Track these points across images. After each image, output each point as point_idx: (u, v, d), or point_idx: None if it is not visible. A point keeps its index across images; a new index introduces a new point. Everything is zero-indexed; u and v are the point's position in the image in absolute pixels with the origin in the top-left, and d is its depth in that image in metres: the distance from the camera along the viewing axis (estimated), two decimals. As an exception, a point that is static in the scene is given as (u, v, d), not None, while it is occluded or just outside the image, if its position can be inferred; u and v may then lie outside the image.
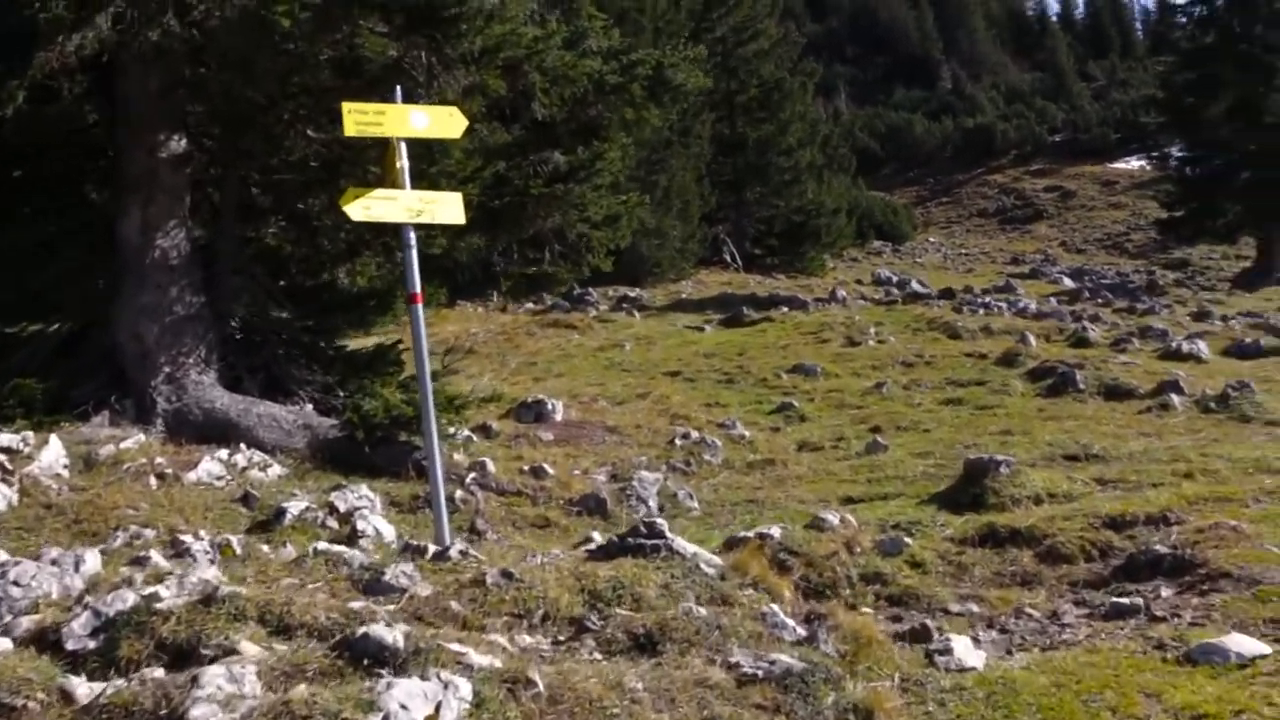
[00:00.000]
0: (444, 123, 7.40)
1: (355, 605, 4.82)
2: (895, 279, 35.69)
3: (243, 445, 8.73)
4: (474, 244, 10.66)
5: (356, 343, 11.31)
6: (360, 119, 7.02)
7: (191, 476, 8.06)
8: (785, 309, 24.71)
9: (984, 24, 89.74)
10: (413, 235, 7.06)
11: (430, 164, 9.22)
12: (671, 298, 28.78)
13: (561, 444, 10.26)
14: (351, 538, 6.96)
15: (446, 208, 7.25)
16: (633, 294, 28.66)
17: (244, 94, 8.93)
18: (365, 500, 7.87)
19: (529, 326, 21.33)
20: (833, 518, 7.30)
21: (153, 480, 7.93)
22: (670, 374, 15.50)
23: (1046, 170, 65.78)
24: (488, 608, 5.05)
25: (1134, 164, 62.83)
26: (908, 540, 7.09)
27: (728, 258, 38.91)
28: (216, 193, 9.91)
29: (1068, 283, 35.11)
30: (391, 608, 4.95)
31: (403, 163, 7.12)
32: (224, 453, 8.49)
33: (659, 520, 6.21)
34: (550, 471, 8.98)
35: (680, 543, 6.10)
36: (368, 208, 6.94)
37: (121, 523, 6.92)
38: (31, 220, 9.62)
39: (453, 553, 5.94)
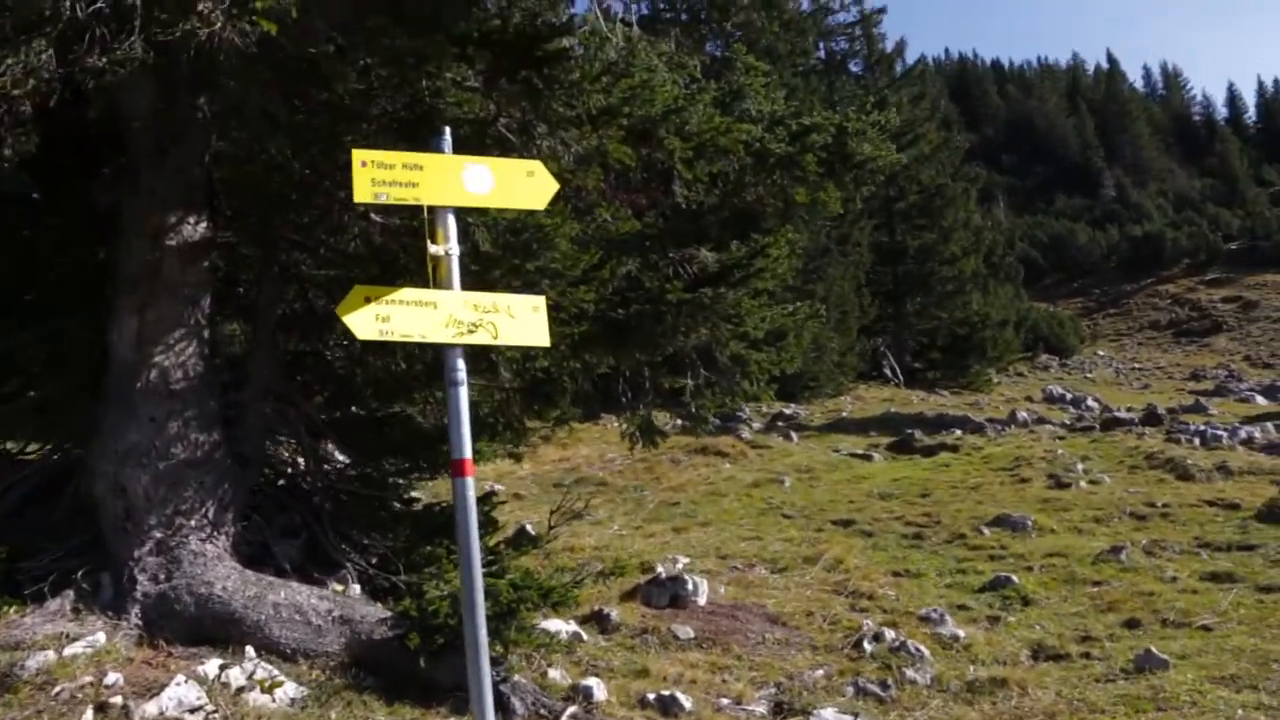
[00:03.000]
0: (519, 186, 4.66)
1: None
2: (1069, 396, 32.04)
3: (250, 649, 5.93)
4: (589, 366, 7.81)
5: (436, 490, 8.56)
6: (381, 176, 4.32)
7: (150, 709, 5.19)
8: (959, 432, 21.33)
9: (1148, 130, 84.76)
10: (461, 366, 4.27)
11: (525, 257, 6.44)
12: (831, 416, 25.56)
13: (706, 646, 7.19)
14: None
15: (519, 322, 4.47)
16: (788, 411, 25.59)
17: (277, 159, 6.36)
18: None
19: (674, 452, 18.35)
20: None
21: (89, 716, 5.18)
22: (842, 523, 12.24)
23: (1223, 280, 60.63)
24: None
25: (1325, 272, 57.24)
26: None
27: (888, 372, 35.64)
28: (251, 292, 7.33)
29: (1261, 401, 30.61)
30: None
31: (449, 248, 4.36)
32: (214, 665, 5.65)
33: None
34: (687, 705, 5.93)
35: None
36: (385, 319, 4.17)
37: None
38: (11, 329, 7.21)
39: None
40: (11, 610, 6.00)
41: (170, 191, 6.50)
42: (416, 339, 4.28)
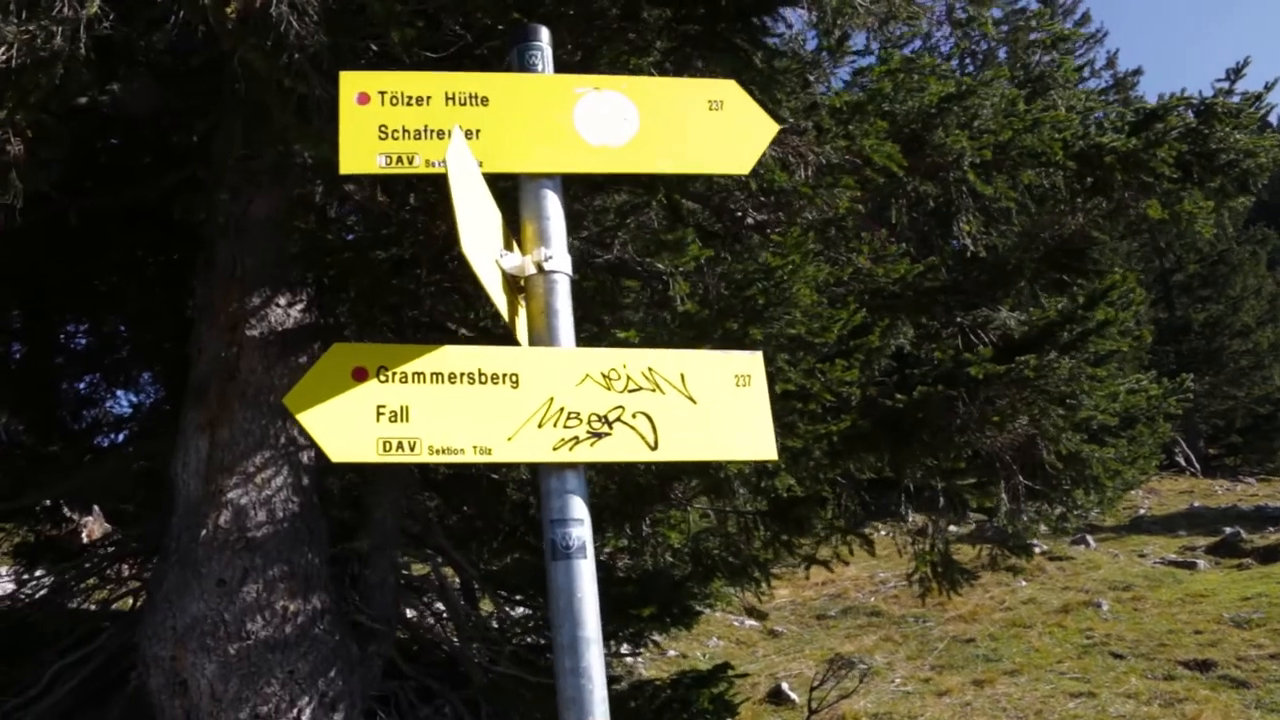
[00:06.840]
0: (691, 127, 2.28)
1: None
2: None
3: None
4: (855, 476, 5.34)
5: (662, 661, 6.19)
6: (397, 121, 2.06)
7: None
8: (1293, 528, 17.41)
9: None
10: (579, 510, 1.89)
11: (749, 318, 4.08)
12: (1125, 515, 21.75)
13: None
14: None
15: (707, 412, 2.01)
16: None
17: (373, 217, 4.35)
18: None
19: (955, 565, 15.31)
20: None
21: None
22: (1197, 666, 9.00)
23: None
24: None
25: None
26: None
27: (1180, 460, 31.03)
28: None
29: None
30: None
31: (545, 257, 2.00)
32: None
33: None
34: None
35: None
36: (398, 416, 1.84)
37: None
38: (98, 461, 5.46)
39: None
40: None
41: (251, 265, 4.57)
42: (470, 458, 1.88)
